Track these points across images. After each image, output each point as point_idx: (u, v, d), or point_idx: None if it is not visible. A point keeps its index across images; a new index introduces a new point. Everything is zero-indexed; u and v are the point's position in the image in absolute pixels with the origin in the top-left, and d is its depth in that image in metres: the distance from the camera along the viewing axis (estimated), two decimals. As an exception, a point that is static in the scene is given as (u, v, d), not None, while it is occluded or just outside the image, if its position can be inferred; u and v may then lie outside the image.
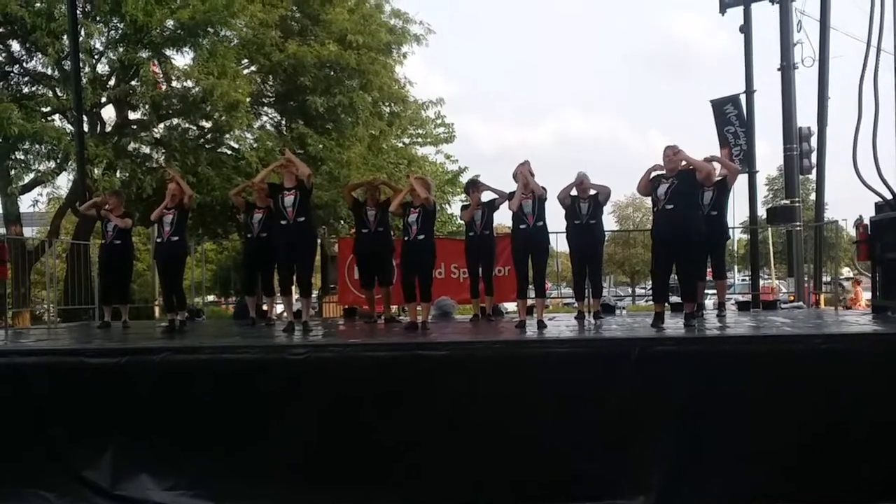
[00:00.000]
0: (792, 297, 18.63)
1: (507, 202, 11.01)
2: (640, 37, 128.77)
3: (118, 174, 19.55)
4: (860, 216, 11.91)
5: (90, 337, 10.97)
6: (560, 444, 7.76)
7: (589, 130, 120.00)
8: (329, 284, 16.83)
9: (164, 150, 21.20)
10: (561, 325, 10.89)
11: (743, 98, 20.54)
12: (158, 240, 11.32)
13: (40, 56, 19.82)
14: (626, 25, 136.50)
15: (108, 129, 21.65)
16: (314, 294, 14.40)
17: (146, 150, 21.73)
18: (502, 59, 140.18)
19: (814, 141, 19.85)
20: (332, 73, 21.67)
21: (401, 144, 28.17)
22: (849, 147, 11.88)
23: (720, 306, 12.11)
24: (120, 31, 19.92)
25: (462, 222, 13.33)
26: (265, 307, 12.79)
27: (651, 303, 11.01)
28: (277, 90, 23.31)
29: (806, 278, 18.63)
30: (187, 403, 8.07)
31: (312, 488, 7.83)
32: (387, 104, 24.52)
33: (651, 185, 9.75)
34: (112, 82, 20.88)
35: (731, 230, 12.75)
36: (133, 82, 20.08)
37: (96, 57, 20.31)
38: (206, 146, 22.21)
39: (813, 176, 21.12)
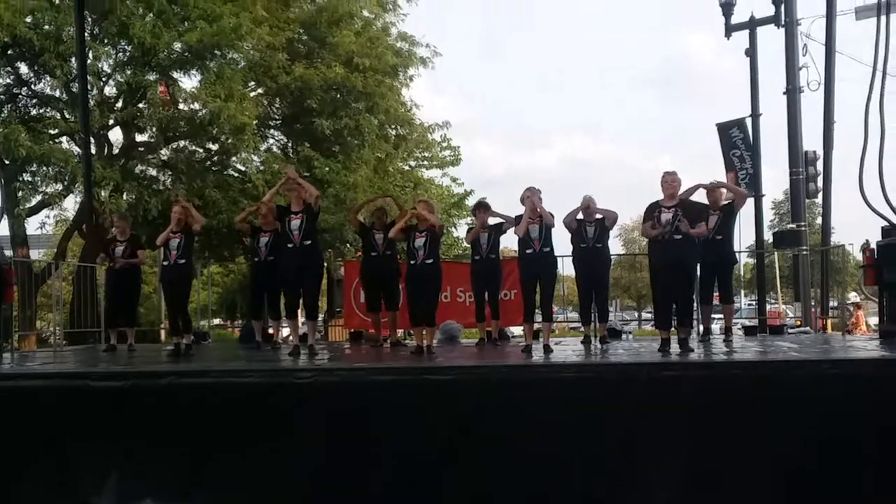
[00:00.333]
0: (799, 322, 18.57)
1: (513, 227, 11.02)
2: (647, 59, 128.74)
3: (125, 196, 19.58)
4: (867, 240, 11.88)
5: (96, 360, 10.99)
6: (566, 469, 7.74)
7: (596, 153, 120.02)
8: (335, 308, 16.84)
9: (170, 173, 21.25)
10: (567, 350, 10.87)
11: (749, 122, 20.53)
12: (165, 263, 11.32)
13: (48, 78, 19.89)
14: (632, 48, 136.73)
15: (116, 151, 21.71)
16: (320, 318, 14.38)
17: (153, 172, 21.78)
18: (508, 82, 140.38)
19: (820, 165, 19.83)
20: (338, 95, 21.71)
21: (407, 167, 28.17)
22: (855, 171, 11.87)
23: (727, 331, 12.10)
24: (127, 54, 20.01)
25: (467, 246, 13.32)
26: (271, 331, 12.80)
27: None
28: (284, 112, 23.36)
29: (813, 303, 18.59)
30: (193, 427, 8.06)
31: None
32: (393, 127, 24.53)
33: (651, 214, 9.80)
34: (119, 104, 20.96)
35: (737, 254, 12.71)
36: (140, 104, 20.16)
37: (104, 79, 20.38)
38: (213, 169, 22.22)
39: (819, 200, 21.09)
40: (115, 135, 22.01)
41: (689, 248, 9.72)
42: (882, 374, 8.13)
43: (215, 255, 22.64)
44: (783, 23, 20.48)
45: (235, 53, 20.44)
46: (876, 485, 7.55)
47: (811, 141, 20.38)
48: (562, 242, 11.33)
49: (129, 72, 19.96)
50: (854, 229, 19.08)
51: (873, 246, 11.63)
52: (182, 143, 21.68)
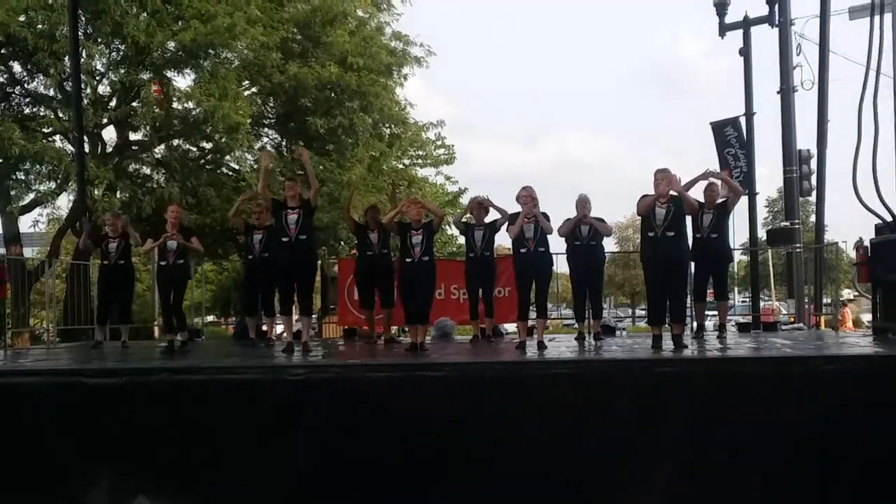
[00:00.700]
0: (792, 319, 18.59)
1: (506, 224, 11.03)
2: (641, 59, 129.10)
3: (118, 195, 19.55)
4: (860, 238, 11.92)
5: (89, 357, 10.95)
6: (559, 465, 7.74)
7: (590, 152, 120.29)
8: (329, 305, 16.82)
9: (164, 171, 21.22)
10: (561, 347, 10.87)
11: (743, 120, 20.53)
12: (163, 263, 11.28)
13: (42, 77, 19.85)
14: (626, 48, 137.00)
15: (109, 150, 21.66)
16: (314, 315, 14.37)
17: (147, 171, 21.76)
18: (502, 82, 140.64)
19: (813, 163, 19.81)
20: (332, 94, 21.70)
21: (401, 166, 28.19)
22: (848, 169, 11.90)
23: (721, 328, 12.12)
24: (121, 53, 19.98)
25: (462, 244, 13.31)
26: (265, 327, 12.78)
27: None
28: (278, 111, 23.34)
29: (806, 300, 18.60)
30: (187, 424, 8.05)
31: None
32: (387, 126, 24.55)
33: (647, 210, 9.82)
34: (113, 103, 20.92)
35: (731, 252, 12.76)
36: (134, 103, 20.12)
37: (97, 78, 20.36)
38: (207, 167, 22.21)
39: (813, 198, 21.08)
40: (109, 133, 21.99)
41: (680, 245, 9.78)
42: (875, 370, 8.15)
43: (209, 252, 22.60)
44: (777, 22, 20.47)
45: (229, 53, 20.42)
46: (867, 480, 7.57)
47: (805, 139, 20.42)
48: (557, 239, 11.35)
49: (122, 71, 19.93)
50: (848, 227, 19.16)
51: (867, 243, 11.66)
52: (176, 141, 21.67)
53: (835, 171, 18.76)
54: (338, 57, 21.59)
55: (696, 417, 7.78)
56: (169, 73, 20.36)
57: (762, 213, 45.39)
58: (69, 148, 19.49)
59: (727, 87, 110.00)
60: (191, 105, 20.46)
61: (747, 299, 30.20)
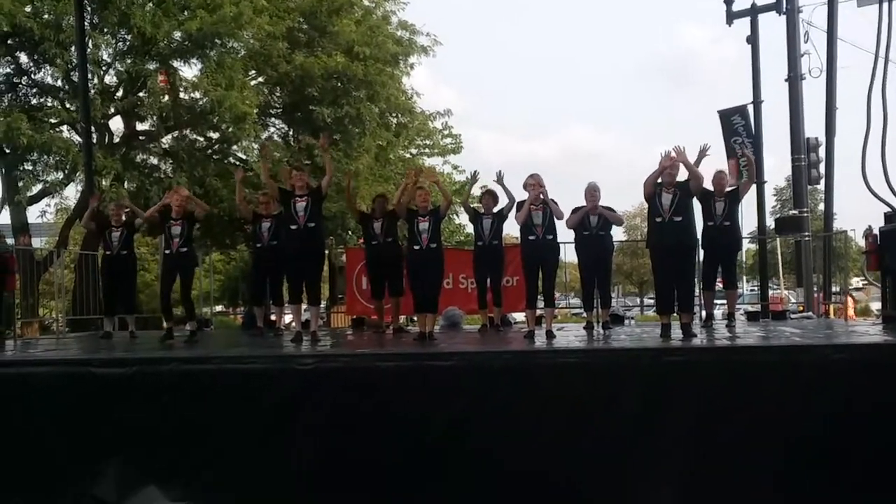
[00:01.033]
0: (801, 308, 18.57)
1: (514, 210, 11.01)
2: (647, 49, 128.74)
3: (126, 185, 19.57)
4: (869, 226, 11.89)
5: (98, 347, 10.96)
6: (568, 454, 7.74)
7: (596, 143, 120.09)
8: (337, 295, 16.84)
9: (171, 162, 21.22)
10: (570, 336, 10.87)
11: (750, 108, 20.47)
12: (167, 251, 11.27)
13: (48, 68, 19.85)
14: (632, 39, 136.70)
15: (116, 140, 21.68)
16: (322, 304, 14.38)
17: (154, 161, 21.76)
18: (509, 72, 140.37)
19: (822, 151, 19.80)
20: (339, 84, 21.66)
21: (408, 155, 28.15)
22: (857, 157, 11.87)
23: (730, 316, 12.09)
24: (128, 43, 19.96)
25: (470, 233, 13.31)
26: (273, 317, 12.78)
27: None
28: (285, 101, 23.31)
29: (815, 289, 18.58)
30: (195, 413, 8.06)
31: (320, 497, 7.83)
32: (394, 115, 24.49)
33: (653, 193, 9.78)
34: (120, 94, 20.92)
35: (741, 240, 12.75)
36: (141, 93, 20.12)
37: (104, 68, 20.33)
38: (214, 157, 22.20)
39: (821, 186, 21.07)
40: (116, 124, 22.00)
41: (689, 231, 9.75)
42: (885, 359, 8.12)
43: (217, 242, 22.63)
44: (784, 10, 20.43)
45: (236, 42, 20.38)
46: (877, 469, 7.56)
47: (813, 128, 20.35)
48: (565, 229, 11.32)
49: (129, 61, 19.90)
50: (856, 215, 19.11)
51: (876, 231, 11.63)
52: (183, 131, 21.65)
53: (843, 159, 18.74)
54: (344, 46, 21.54)
55: (704, 406, 7.77)
56: (175, 63, 20.34)
57: (770, 201, 45.38)
58: (76, 138, 19.51)
59: (734, 76, 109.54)
60: (197, 95, 20.44)
61: (756, 288, 30.16)
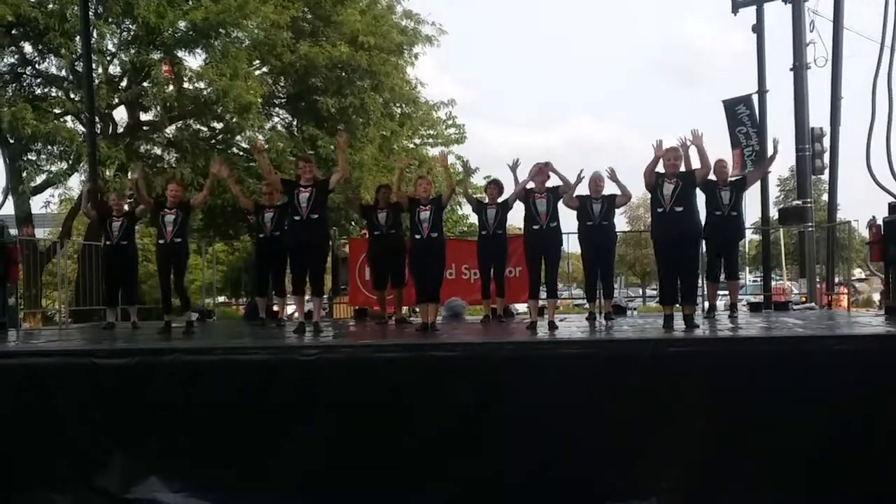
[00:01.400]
0: (804, 298, 18.55)
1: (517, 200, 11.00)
2: (652, 40, 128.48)
3: (129, 176, 19.59)
4: (873, 217, 11.85)
5: (101, 338, 10.96)
6: (571, 444, 7.74)
7: (600, 134, 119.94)
8: (340, 285, 16.84)
9: (175, 152, 21.24)
10: (572, 327, 10.86)
11: (755, 98, 20.41)
12: (161, 241, 11.20)
13: (53, 58, 19.88)
14: (637, 29, 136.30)
15: (121, 130, 21.70)
16: (325, 295, 14.38)
17: (158, 151, 21.79)
18: (514, 63, 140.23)
19: (826, 141, 19.73)
20: (343, 74, 21.68)
21: (412, 145, 28.13)
22: (862, 147, 11.83)
23: (732, 307, 12.08)
24: (132, 33, 20.00)
25: (473, 223, 13.29)
26: (276, 308, 12.78)
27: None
28: (289, 91, 23.32)
29: (818, 279, 18.55)
30: (197, 404, 8.06)
31: (324, 489, 7.83)
32: (398, 105, 24.51)
33: (654, 183, 9.75)
34: (124, 84, 20.93)
35: (744, 230, 12.74)
36: (145, 83, 20.13)
37: (108, 58, 20.37)
38: (218, 147, 22.22)
39: (825, 176, 20.98)
40: (120, 114, 22.05)
41: (692, 221, 9.72)
42: (887, 350, 8.11)
43: (220, 233, 22.66)
44: (790, -2, 20.35)
45: (240, 32, 20.39)
46: (879, 459, 7.55)
47: (818, 117, 20.29)
48: (568, 219, 11.30)
49: (133, 51, 19.95)
50: (860, 206, 19.06)
51: (880, 222, 11.59)
52: (187, 121, 21.66)
53: (848, 149, 18.66)
54: (348, 36, 21.55)
55: (707, 397, 7.76)
56: (180, 53, 20.36)
57: (774, 191, 45.36)
58: (81, 128, 19.54)
59: (738, 66, 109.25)
60: (202, 85, 20.46)
61: (758, 279, 30.13)
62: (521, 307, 14.34)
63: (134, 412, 8.07)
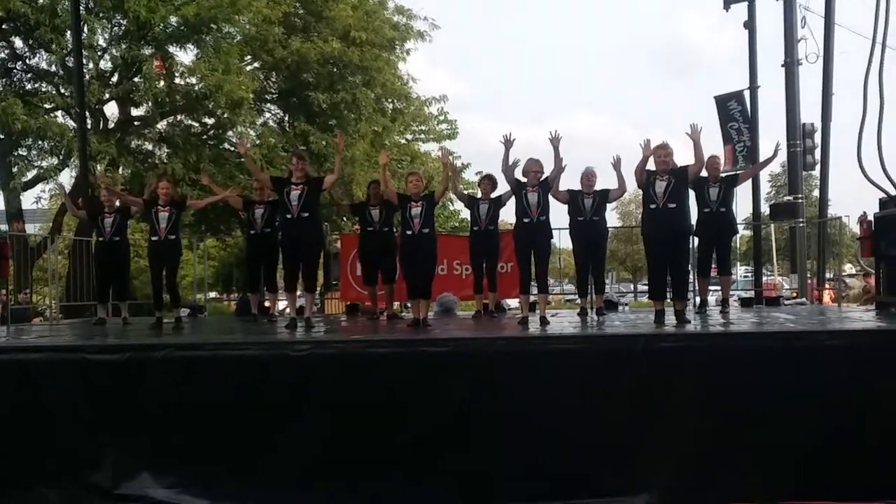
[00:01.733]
0: (795, 294, 18.57)
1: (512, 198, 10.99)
2: (644, 35, 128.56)
3: (121, 171, 19.57)
4: (864, 212, 11.88)
5: (92, 333, 10.93)
6: (563, 440, 7.74)
7: (593, 129, 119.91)
8: (331, 281, 16.82)
9: (166, 147, 21.20)
10: (563, 322, 10.86)
11: (747, 94, 20.45)
12: (154, 238, 11.18)
13: (43, 53, 19.83)
14: (630, 24, 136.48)
15: (111, 125, 21.65)
16: (317, 290, 14.37)
17: (149, 146, 21.74)
18: (506, 58, 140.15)
19: (817, 137, 19.75)
20: (335, 69, 21.66)
21: (404, 141, 28.14)
22: (853, 143, 11.86)
23: (724, 302, 12.10)
24: (123, 28, 19.95)
25: (464, 218, 13.28)
26: (267, 303, 12.76)
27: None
28: (280, 87, 23.30)
29: (809, 275, 18.58)
30: (189, 400, 8.04)
31: (315, 485, 7.83)
32: (390, 101, 24.51)
33: (645, 181, 9.75)
34: (115, 79, 20.88)
35: (735, 226, 12.74)
36: (136, 79, 20.08)
37: (99, 53, 20.31)
38: (209, 143, 22.19)
39: (816, 172, 21.01)
40: (111, 109, 22.01)
41: (683, 217, 9.75)
42: (878, 344, 8.13)
43: (211, 228, 22.63)
44: (782, -6, 20.36)
45: (232, 27, 20.35)
46: (868, 455, 7.57)
47: (809, 113, 20.33)
48: (559, 215, 11.29)
49: (124, 46, 19.91)
50: (851, 201, 19.08)
51: (870, 218, 11.61)
52: (178, 117, 21.62)
53: (839, 145, 18.68)
54: (340, 31, 21.54)
55: (699, 392, 7.77)
56: (171, 49, 20.31)
57: (765, 187, 45.34)
58: (71, 124, 19.50)
59: (730, 62, 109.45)
60: (193, 80, 20.42)
61: (749, 274, 30.17)
62: (513, 302, 14.34)
63: (125, 408, 8.05)
